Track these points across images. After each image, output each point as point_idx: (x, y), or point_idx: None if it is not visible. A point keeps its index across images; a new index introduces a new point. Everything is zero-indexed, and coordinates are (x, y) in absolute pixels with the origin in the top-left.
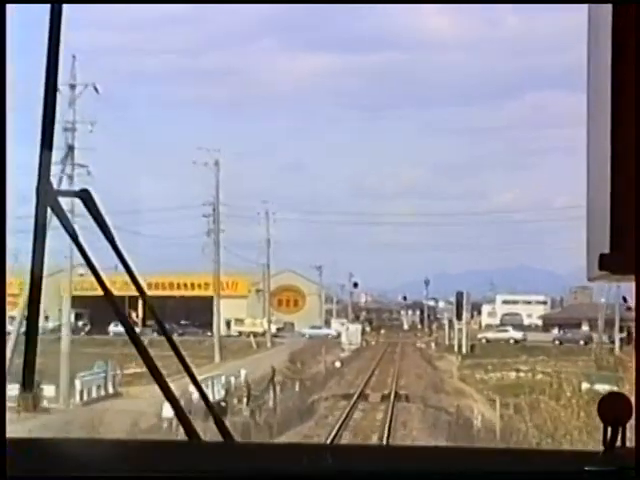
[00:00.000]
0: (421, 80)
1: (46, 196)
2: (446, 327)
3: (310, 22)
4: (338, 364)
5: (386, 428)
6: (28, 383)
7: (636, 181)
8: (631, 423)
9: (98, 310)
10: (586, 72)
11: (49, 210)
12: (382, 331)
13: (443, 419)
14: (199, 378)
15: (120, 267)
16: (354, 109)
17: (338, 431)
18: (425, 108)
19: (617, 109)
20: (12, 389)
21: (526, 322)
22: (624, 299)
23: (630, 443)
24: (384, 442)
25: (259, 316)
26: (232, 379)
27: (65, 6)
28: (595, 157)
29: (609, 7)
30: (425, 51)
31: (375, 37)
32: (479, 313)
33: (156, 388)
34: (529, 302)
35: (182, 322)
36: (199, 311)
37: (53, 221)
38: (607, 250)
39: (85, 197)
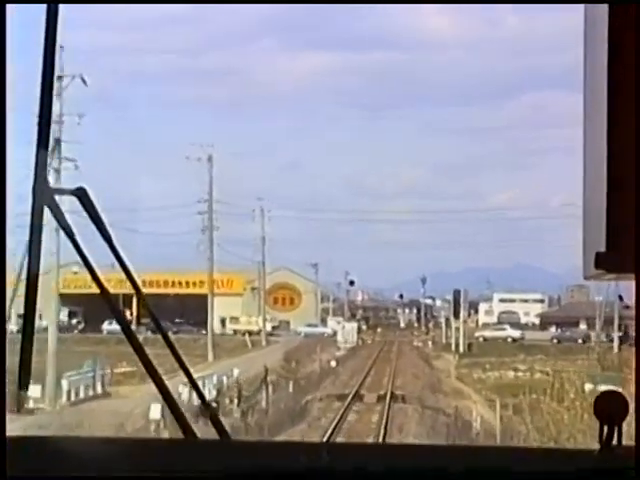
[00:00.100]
0: (421, 80)
1: (42, 195)
2: (443, 325)
3: (310, 22)
4: (333, 363)
5: (381, 431)
6: (24, 382)
7: (632, 180)
8: (627, 421)
9: (92, 308)
10: (582, 72)
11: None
12: (378, 329)
13: (441, 421)
14: (196, 376)
15: (116, 265)
16: (354, 108)
17: (331, 434)
18: (425, 108)
19: (613, 108)
20: None
21: (523, 320)
22: (620, 298)
23: (626, 441)
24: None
25: (254, 314)
26: (224, 378)
27: (64, 6)
28: (591, 156)
29: (605, 7)
30: (425, 51)
31: (375, 37)
32: (476, 311)
33: (146, 388)
34: (526, 300)
35: (177, 320)
36: (194, 309)
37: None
38: (603, 249)
39: (81, 195)
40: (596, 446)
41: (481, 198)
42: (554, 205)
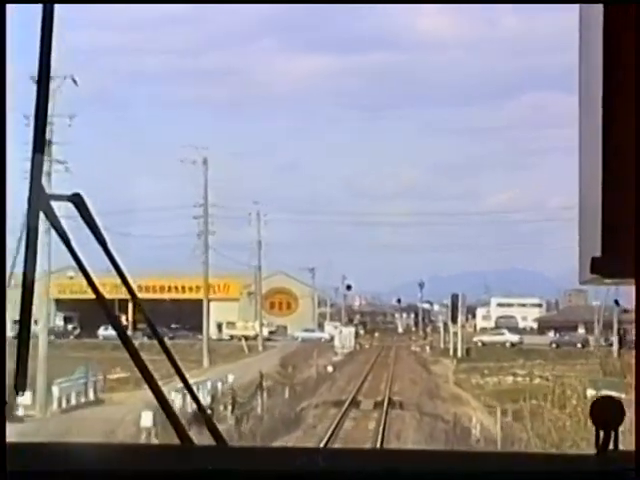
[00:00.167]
0: (420, 80)
1: (38, 200)
2: (441, 330)
3: (310, 22)
4: (330, 369)
5: (378, 439)
6: (20, 386)
7: (628, 183)
8: (624, 426)
9: (88, 313)
10: (577, 72)
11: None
12: (376, 334)
13: (439, 428)
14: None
15: (112, 270)
16: (353, 109)
17: (327, 442)
18: (425, 108)
19: (608, 109)
20: None
21: (521, 325)
22: (616, 302)
23: (623, 446)
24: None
25: (251, 319)
26: (219, 385)
27: (63, 6)
28: (587, 159)
29: (600, 7)
30: (424, 51)
31: (374, 37)
32: (473, 316)
33: (141, 394)
34: (524, 305)
35: (173, 325)
36: (190, 314)
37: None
38: (599, 253)
39: (77, 201)
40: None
41: (480, 199)
42: (553, 207)
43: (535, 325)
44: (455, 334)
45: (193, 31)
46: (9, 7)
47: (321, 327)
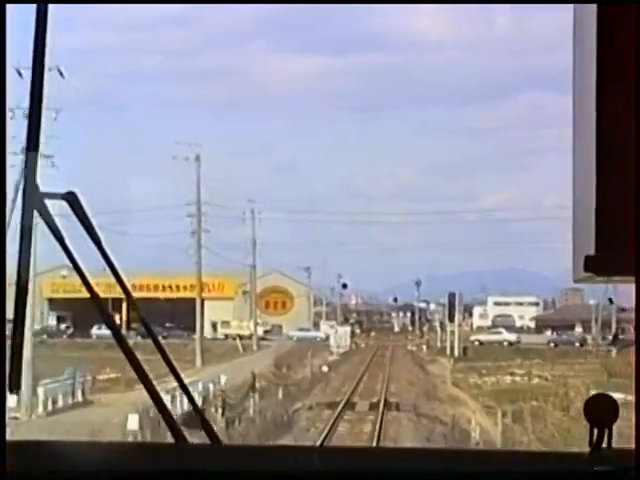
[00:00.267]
0: (418, 80)
1: (32, 198)
2: (438, 329)
3: (307, 23)
4: (325, 369)
5: (374, 443)
6: (14, 385)
7: (621, 181)
8: (618, 424)
9: (81, 312)
10: (572, 72)
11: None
12: (372, 333)
13: (437, 431)
14: (174, 385)
15: (107, 269)
16: (350, 109)
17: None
18: (422, 108)
19: (602, 109)
20: None
21: (518, 324)
22: (610, 300)
23: (616, 444)
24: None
25: (246, 318)
26: (210, 385)
27: (58, 6)
28: (581, 158)
29: (594, 7)
30: (421, 51)
31: (371, 37)
32: (470, 315)
33: (131, 395)
34: (521, 303)
35: (167, 325)
36: (184, 313)
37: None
38: (593, 251)
39: (71, 199)
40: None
41: (477, 199)
42: (549, 207)
43: (532, 324)
44: (452, 333)
45: (189, 31)
46: (9, 7)
47: (317, 326)
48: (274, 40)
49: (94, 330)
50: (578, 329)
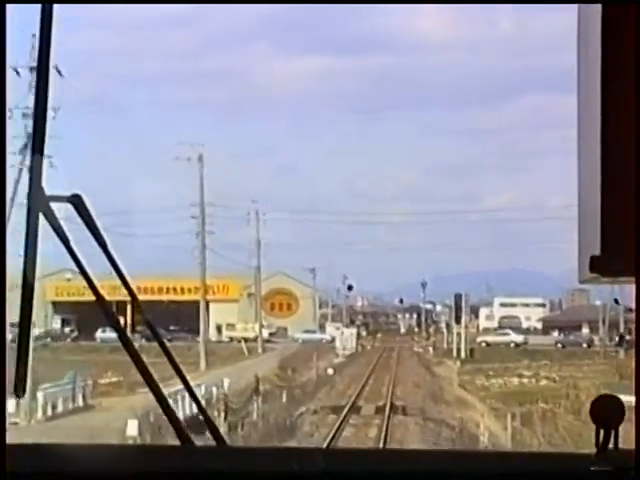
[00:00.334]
0: (420, 81)
1: (38, 202)
2: (444, 331)
3: (309, 24)
4: (330, 371)
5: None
6: (20, 389)
7: (627, 182)
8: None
9: (86, 316)
10: (576, 72)
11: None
12: (378, 335)
13: (445, 435)
14: (177, 389)
15: (114, 272)
16: (353, 111)
17: None
18: (424, 109)
19: (607, 109)
20: None
21: (525, 325)
22: (616, 301)
23: (623, 445)
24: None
25: (251, 321)
26: (213, 389)
27: (59, 7)
28: (586, 159)
29: (598, 7)
30: (424, 52)
31: (374, 38)
32: (476, 316)
33: (133, 399)
34: (527, 305)
35: (172, 327)
36: (189, 316)
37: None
38: (598, 252)
39: (77, 202)
40: None
41: (481, 200)
42: (553, 207)
43: (539, 325)
44: (458, 334)
45: (192, 32)
46: (9, 7)
47: (322, 328)
48: (277, 41)
49: (98, 333)
50: (585, 330)
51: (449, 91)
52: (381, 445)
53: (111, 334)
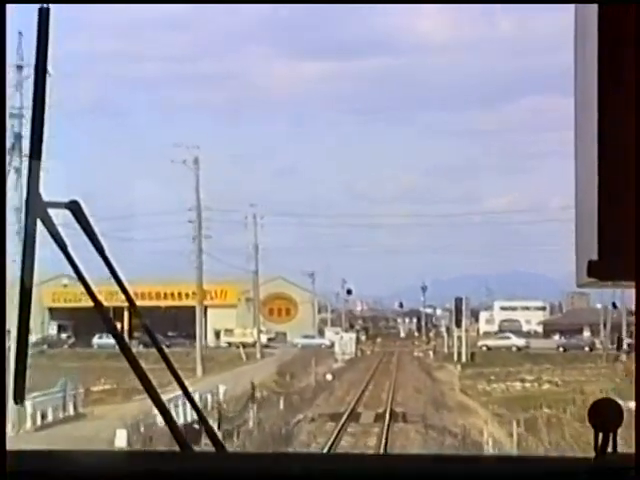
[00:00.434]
0: (420, 83)
1: (35, 207)
2: (444, 335)
3: (308, 26)
4: (329, 377)
5: None
6: (18, 395)
7: (623, 186)
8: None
9: (83, 322)
10: (573, 74)
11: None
12: (378, 340)
13: (447, 443)
14: (172, 396)
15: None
16: (352, 112)
17: None
18: (424, 111)
19: (604, 111)
20: None
21: (525, 328)
22: (614, 305)
23: (621, 448)
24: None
25: (249, 326)
26: (208, 396)
27: (57, 10)
28: (583, 162)
29: (595, 8)
30: (423, 54)
31: (373, 40)
32: (476, 320)
33: (126, 407)
34: (527, 308)
35: (169, 333)
36: (187, 321)
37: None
38: (596, 256)
39: (74, 208)
40: None
41: (481, 202)
42: (553, 209)
43: (539, 328)
44: (459, 338)
45: (191, 35)
46: (9, 7)
47: (321, 333)
48: (277, 43)
49: (95, 339)
50: (586, 333)
51: (449, 92)
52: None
53: (108, 340)
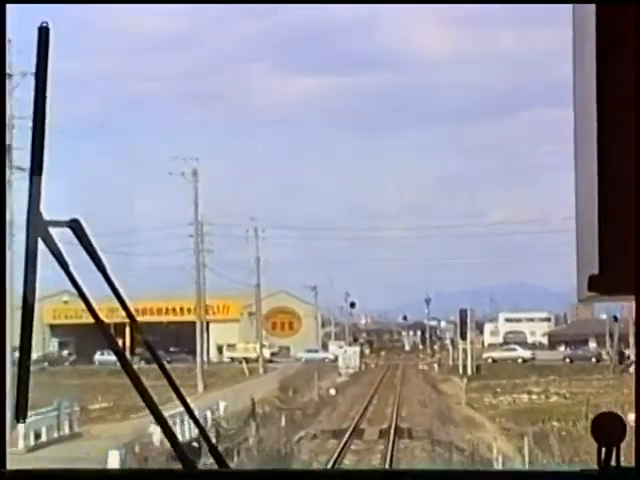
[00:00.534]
0: (420, 98)
1: (37, 226)
2: (449, 347)
3: (307, 43)
4: (333, 391)
5: None
6: (21, 412)
7: (623, 201)
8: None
9: (84, 338)
10: (572, 82)
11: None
12: (382, 353)
13: (455, 460)
14: (172, 412)
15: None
16: (351, 129)
17: None
18: (425, 126)
19: (603, 124)
20: None
21: (530, 340)
22: (615, 318)
23: (625, 462)
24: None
25: (252, 340)
26: (208, 413)
27: (57, 31)
28: (583, 176)
29: (593, 21)
30: (424, 68)
31: (372, 56)
32: (481, 332)
33: (124, 426)
34: (532, 319)
35: (171, 349)
36: (189, 337)
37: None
38: (596, 271)
39: (75, 227)
40: None
41: (483, 214)
42: (555, 221)
43: (544, 340)
44: (464, 351)
45: (190, 53)
46: (9, 7)
47: (325, 347)
48: (277, 60)
49: (97, 356)
50: (592, 344)
51: (450, 106)
52: None
53: (110, 357)
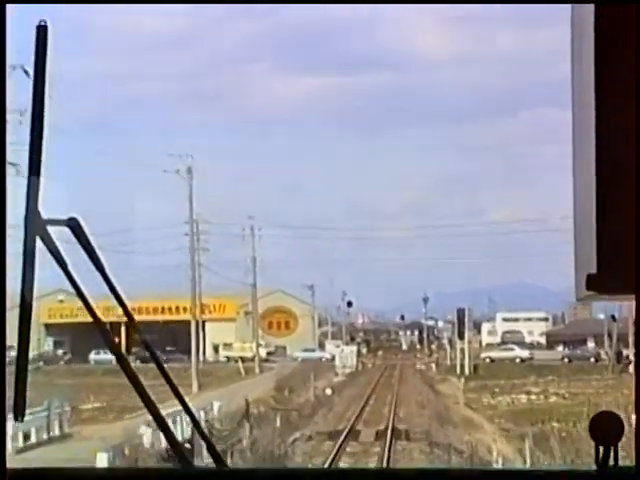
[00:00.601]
0: (421, 98)
1: (34, 225)
2: (447, 347)
3: (308, 43)
4: (329, 391)
5: None
6: (19, 410)
7: (621, 199)
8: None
9: (79, 337)
10: (571, 81)
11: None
12: (379, 352)
13: (454, 462)
14: (165, 412)
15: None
16: (351, 129)
17: None
18: (425, 126)
19: (601, 124)
20: None
21: (527, 339)
22: (613, 317)
23: (623, 462)
24: None
25: (248, 340)
26: (201, 414)
27: (57, 32)
28: (581, 176)
29: (591, 21)
30: (424, 68)
31: (372, 56)
32: (479, 332)
33: (117, 426)
34: (530, 319)
35: (168, 348)
36: (186, 336)
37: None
38: (594, 269)
39: (74, 225)
40: None
41: (482, 214)
42: (554, 221)
43: (542, 339)
44: (462, 351)
45: (190, 53)
46: (9, 7)
47: (322, 346)
48: (277, 60)
49: (92, 355)
50: (590, 344)
51: (450, 106)
52: None
53: (105, 356)
